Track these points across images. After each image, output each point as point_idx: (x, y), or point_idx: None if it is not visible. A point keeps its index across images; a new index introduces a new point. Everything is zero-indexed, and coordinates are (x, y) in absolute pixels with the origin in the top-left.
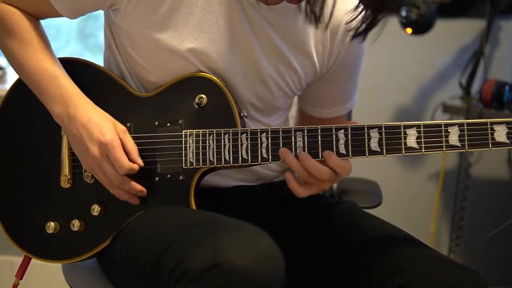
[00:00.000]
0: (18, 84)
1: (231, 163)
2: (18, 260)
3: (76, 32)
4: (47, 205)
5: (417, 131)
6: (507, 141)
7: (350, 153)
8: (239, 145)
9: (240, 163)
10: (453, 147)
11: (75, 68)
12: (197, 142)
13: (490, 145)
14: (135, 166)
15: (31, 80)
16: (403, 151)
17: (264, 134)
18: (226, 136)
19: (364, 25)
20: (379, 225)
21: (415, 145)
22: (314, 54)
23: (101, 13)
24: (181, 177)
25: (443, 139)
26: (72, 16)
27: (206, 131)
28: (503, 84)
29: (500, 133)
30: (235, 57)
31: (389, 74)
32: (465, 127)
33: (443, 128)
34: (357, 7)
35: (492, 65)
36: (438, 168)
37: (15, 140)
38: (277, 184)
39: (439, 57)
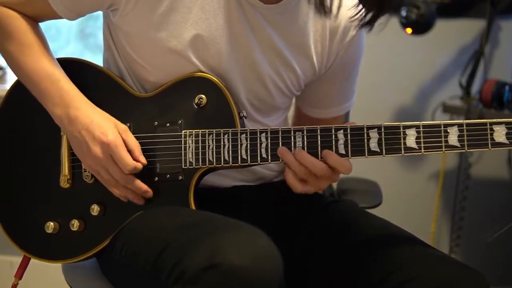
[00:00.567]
0: (18, 84)
1: (231, 163)
2: (18, 260)
3: (76, 32)
4: (46, 205)
5: (416, 131)
6: (506, 141)
7: (350, 153)
8: (239, 145)
9: (239, 163)
10: (453, 147)
11: (75, 69)
12: (196, 142)
13: (490, 145)
14: (139, 165)
15: (30, 83)
16: (403, 151)
17: (263, 134)
18: (226, 136)
19: (370, 14)
20: (380, 225)
21: (414, 146)
22: (313, 54)
23: (100, 13)
24: (181, 177)
25: (443, 139)
26: (71, 18)
27: (205, 131)
28: (503, 84)
29: (500, 134)
30: (234, 56)
31: (389, 74)
32: (465, 127)
33: (442, 128)
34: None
35: (492, 65)
36: (438, 168)
37: (15, 140)
38: (277, 184)
39: (439, 57)
